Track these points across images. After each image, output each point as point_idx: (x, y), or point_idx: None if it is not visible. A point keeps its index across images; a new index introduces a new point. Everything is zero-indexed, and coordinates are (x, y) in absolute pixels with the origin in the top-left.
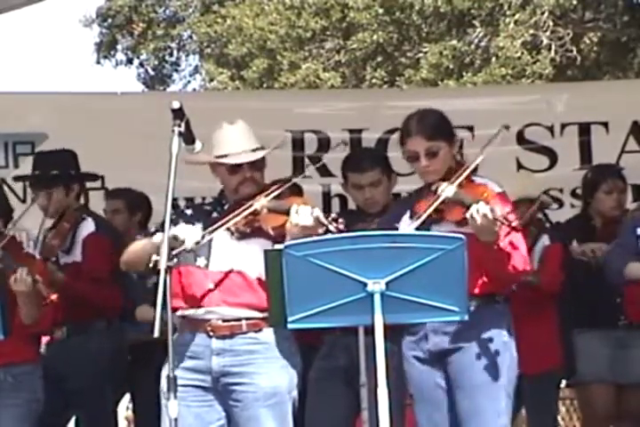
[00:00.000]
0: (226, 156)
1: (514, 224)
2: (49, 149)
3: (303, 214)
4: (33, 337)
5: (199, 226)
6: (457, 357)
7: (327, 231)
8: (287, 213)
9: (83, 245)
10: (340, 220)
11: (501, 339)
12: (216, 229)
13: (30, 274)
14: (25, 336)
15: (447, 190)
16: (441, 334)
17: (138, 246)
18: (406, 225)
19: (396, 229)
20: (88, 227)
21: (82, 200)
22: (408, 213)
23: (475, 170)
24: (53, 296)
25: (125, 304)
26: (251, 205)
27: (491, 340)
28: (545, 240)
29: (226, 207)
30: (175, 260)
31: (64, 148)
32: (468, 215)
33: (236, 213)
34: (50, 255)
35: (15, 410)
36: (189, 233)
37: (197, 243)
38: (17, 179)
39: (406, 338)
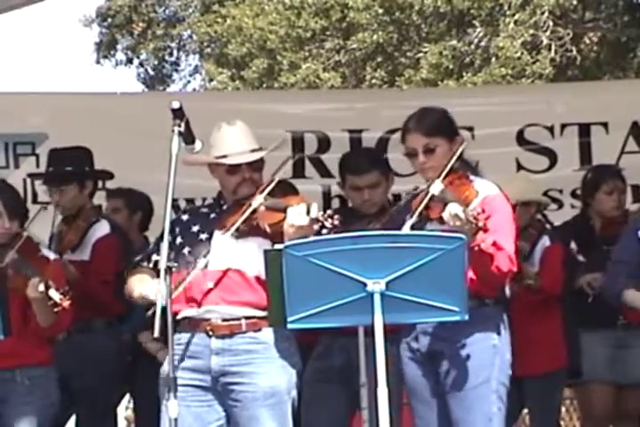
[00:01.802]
0: (225, 156)
1: (480, 224)
2: (64, 146)
3: (298, 215)
4: (48, 339)
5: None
6: (445, 360)
7: (322, 227)
8: (284, 210)
9: (96, 247)
10: (336, 216)
11: (490, 342)
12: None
13: (43, 280)
14: (41, 338)
15: (434, 188)
16: (429, 335)
17: (131, 288)
18: (408, 224)
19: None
20: (103, 228)
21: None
22: (410, 213)
23: (475, 169)
24: (66, 303)
25: (124, 306)
26: (250, 206)
27: (478, 343)
28: (545, 241)
29: (224, 208)
30: (175, 263)
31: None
32: (444, 216)
33: (237, 214)
34: (63, 251)
35: (31, 417)
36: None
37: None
38: (32, 176)
39: (403, 339)
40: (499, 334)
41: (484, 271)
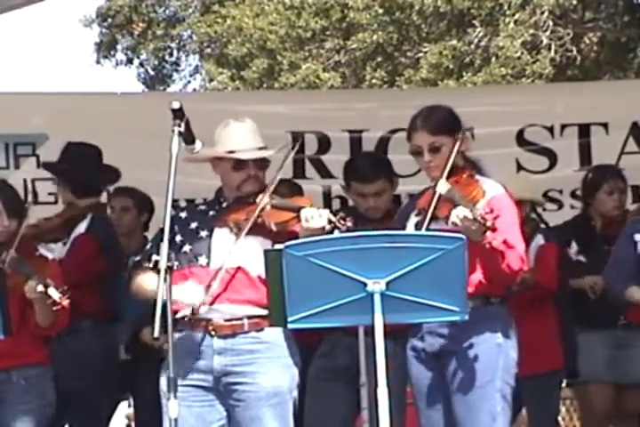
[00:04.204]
0: (233, 152)
1: (488, 224)
2: (78, 141)
3: (314, 218)
4: (44, 339)
5: (199, 286)
6: (451, 359)
7: (335, 228)
8: (291, 210)
9: (71, 246)
10: (349, 218)
11: (494, 341)
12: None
13: (42, 279)
14: (38, 338)
15: (440, 186)
16: (435, 335)
17: (145, 287)
18: (412, 223)
19: (405, 228)
20: (80, 227)
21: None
22: (415, 211)
23: (480, 169)
24: (65, 302)
25: (116, 305)
26: (257, 206)
27: (483, 342)
28: (539, 240)
29: (224, 205)
30: (177, 262)
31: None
32: (451, 219)
33: (239, 212)
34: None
35: (28, 416)
36: (189, 294)
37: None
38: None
39: (410, 339)
40: (504, 332)
41: (495, 270)
